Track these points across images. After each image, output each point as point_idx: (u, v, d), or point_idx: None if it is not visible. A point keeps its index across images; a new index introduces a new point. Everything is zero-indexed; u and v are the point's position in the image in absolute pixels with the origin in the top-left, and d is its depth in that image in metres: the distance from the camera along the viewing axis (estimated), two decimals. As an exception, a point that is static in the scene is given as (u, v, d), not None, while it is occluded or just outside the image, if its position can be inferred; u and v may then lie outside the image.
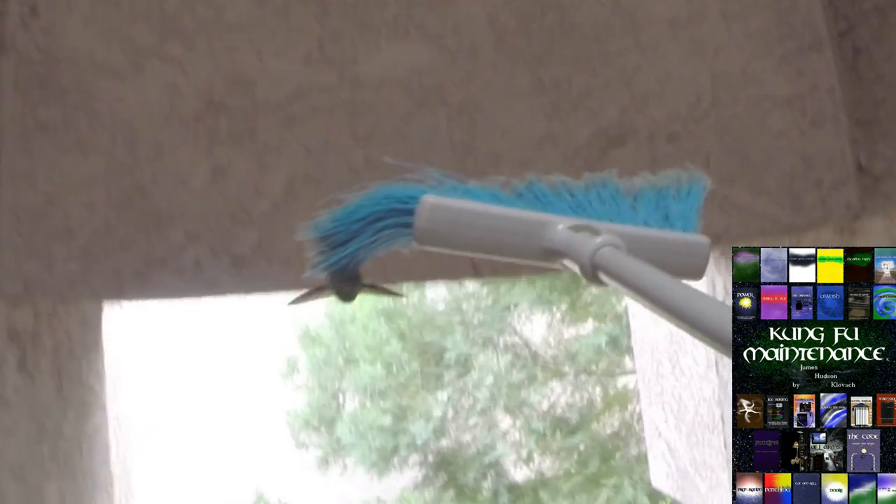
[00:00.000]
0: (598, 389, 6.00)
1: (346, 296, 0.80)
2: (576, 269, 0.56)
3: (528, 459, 5.92)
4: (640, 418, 5.70)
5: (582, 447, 5.60)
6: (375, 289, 1.27)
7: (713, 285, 1.51)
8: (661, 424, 2.05)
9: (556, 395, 6.05)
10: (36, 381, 1.22)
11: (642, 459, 5.41)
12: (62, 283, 1.19)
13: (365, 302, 5.86)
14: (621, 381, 6.06)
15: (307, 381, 6.47)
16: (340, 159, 1.24)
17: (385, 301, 5.57)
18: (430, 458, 5.80)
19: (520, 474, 5.91)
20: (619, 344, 5.29)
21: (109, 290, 1.22)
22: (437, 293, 6.19)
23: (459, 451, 5.82)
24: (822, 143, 1.32)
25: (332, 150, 1.25)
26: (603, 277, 0.54)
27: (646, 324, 2.08)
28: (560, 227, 0.60)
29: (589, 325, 5.87)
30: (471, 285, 6.21)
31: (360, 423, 5.71)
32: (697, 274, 0.65)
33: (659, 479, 2.17)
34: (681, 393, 1.84)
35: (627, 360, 6.08)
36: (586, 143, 1.28)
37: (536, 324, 6.17)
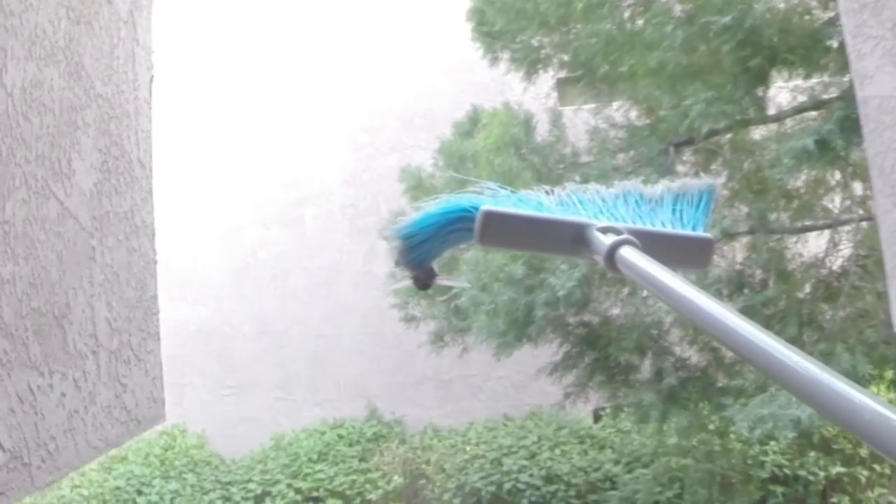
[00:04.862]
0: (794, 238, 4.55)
1: (423, 285, 1.03)
2: (601, 261, 0.76)
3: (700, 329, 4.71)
4: (862, 258, 4.24)
5: (773, 308, 4.18)
6: (447, 280, 1.78)
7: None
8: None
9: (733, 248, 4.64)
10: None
11: (863, 315, 4.04)
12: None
13: (489, 136, 5.01)
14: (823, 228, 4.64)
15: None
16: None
17: (513, 131, 4.94)
18: (574, 328, 4.69)
19: (690, 351, 4.74)
20: (832, 145, 3.50)
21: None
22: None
23: (611, 321, 4.67)
24: None
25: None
26: (620, 267, 0.74)
27: (885, 78, 1.54)
28: (589, 228, 0.81)
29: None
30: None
31: (484, 271, 4.41)
32: (704, 264, 0.89)
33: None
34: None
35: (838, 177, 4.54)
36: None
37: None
